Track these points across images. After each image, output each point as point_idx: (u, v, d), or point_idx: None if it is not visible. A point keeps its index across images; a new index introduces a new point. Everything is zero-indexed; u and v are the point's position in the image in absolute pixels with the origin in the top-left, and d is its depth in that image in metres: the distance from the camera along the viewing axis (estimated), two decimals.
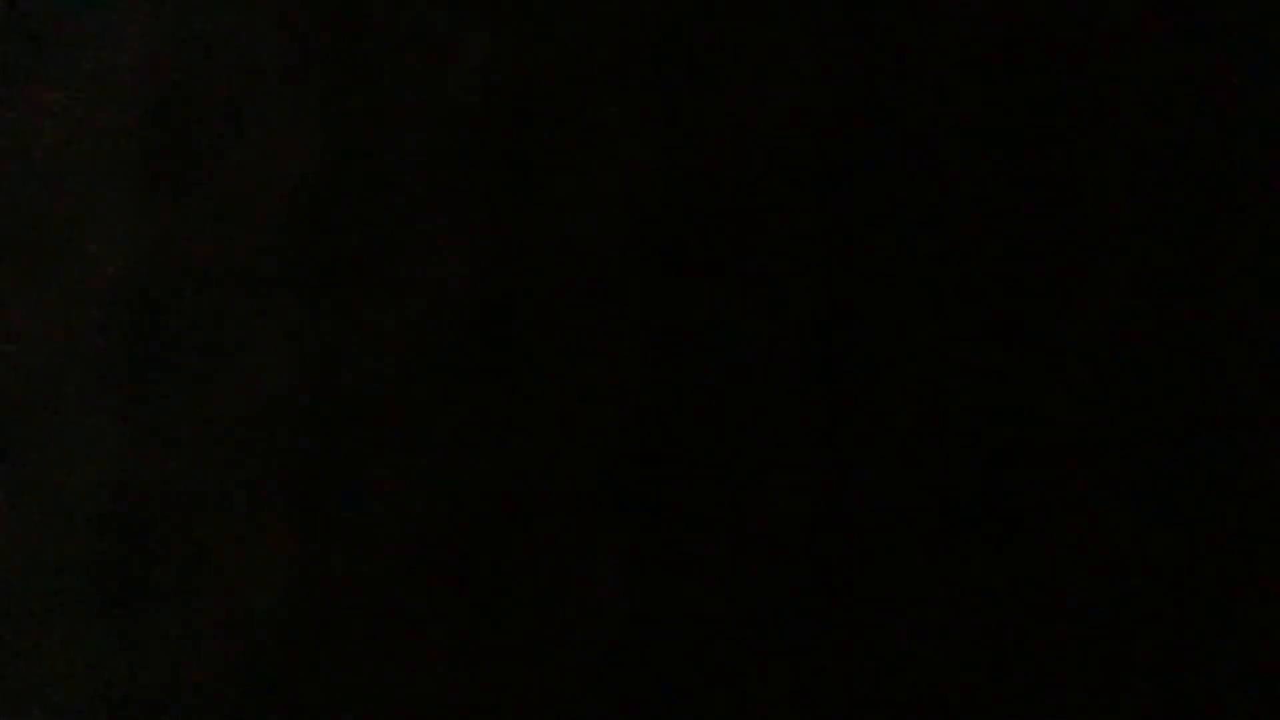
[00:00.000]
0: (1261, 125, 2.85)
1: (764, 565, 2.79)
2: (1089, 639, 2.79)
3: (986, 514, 2.80)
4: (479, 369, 2.79)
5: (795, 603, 2.78)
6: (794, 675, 2.77)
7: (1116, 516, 2.80)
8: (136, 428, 2.74)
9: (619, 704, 2.76)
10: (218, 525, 2.74)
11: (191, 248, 2.77)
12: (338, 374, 2.77)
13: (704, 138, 2.83)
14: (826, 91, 2.85)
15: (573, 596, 2.76)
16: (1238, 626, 2.79)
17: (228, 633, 2.73)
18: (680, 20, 2.84)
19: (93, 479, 2.72)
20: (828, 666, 2.78)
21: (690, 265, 2.82)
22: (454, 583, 2.76)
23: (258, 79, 2.79)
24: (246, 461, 2.75)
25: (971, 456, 2.81)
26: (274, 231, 2.78)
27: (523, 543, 2.77)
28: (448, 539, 2.76)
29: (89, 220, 2.75)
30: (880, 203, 2.84)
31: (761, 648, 2.78)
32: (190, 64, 2.79)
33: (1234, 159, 2.85)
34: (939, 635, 2.78)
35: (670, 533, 2.78)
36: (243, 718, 2.72)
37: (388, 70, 2.81)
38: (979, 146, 2.85)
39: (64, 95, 2.76)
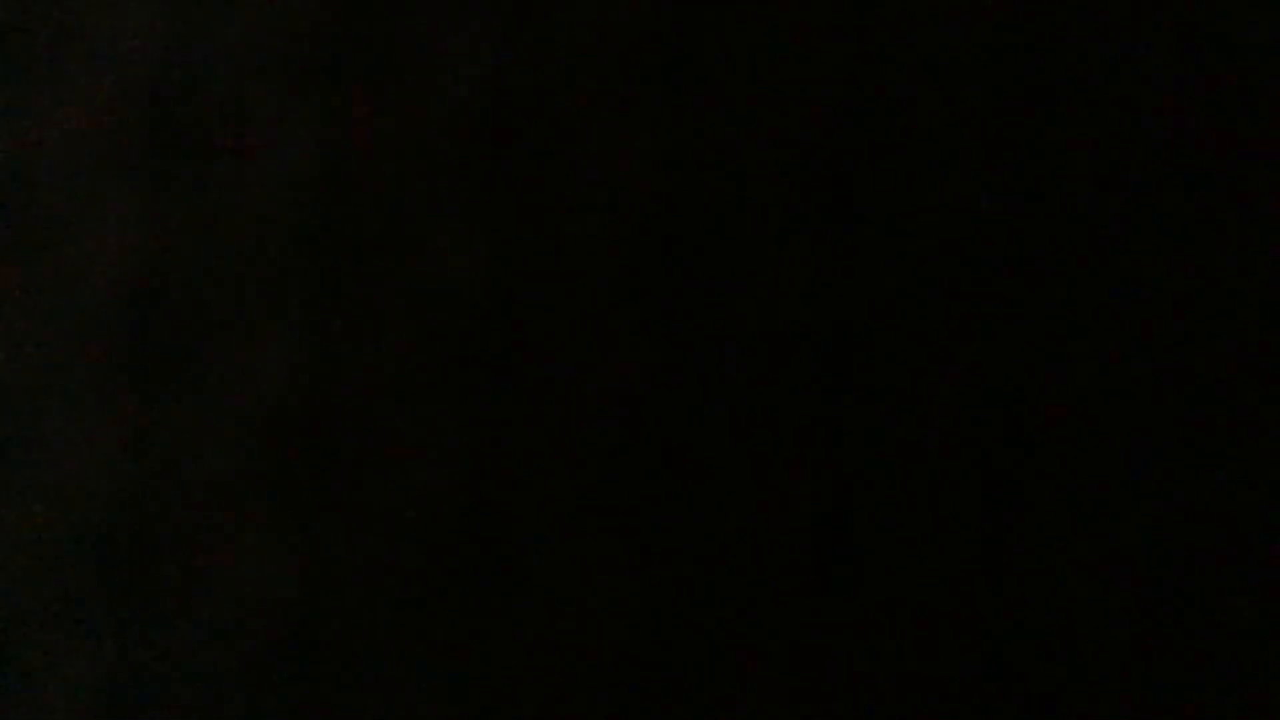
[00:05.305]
0: (1261, 125, 2.85)
1: (763, 564, 2.79)
2: (1088, 637, 2.79)
3: (987, 514, 2.80)
4: (479, 368, 2.79)
5: (795, 602, 2.79)
6: (794, 673, 2.78)
7: (1115, 516, 2.81)
8: (137, 428, 2.74)
9: (619, 703, 2.76)
10: (218, 525, 2.74)
11: (191, 248, 2.77)
12: (337, 374, 2.78)
13: (705, 138, 2.84)
14: (827, 93, 2.85)
15: (573, 596, 2.77)
16: (1237, 626, 2.79)
17: (228, 633, 2.73)
18: (680, 23, 2.85)
19: (93, 479, 2.73)
20: (828, 665, 2.78)
21: (691, 265, 2.82)
22: (454, 582, 2.76)
23: (258, 79, 2.80)
24: (247, 461, 2.75)
25: (972, 457, 2.81)
26: (274, 231, 2.78)
27: (523, 542, 2.77)
28: (447, 539, 2.77)
29: (89, 220, 2.76)
30: (881, 203, 2.84)
31: (761, 646, 2.78)
32: (190, 64, 2.79)
33: (1234, 159, 2.85)
34: (939, 635, 2.79)
35: (670, 532, 2.79)
36: (243, 717, 2.72)
37: (388, 70, 2.81)
38: (979, 148, 2.85)
39: (64, 95, 2.76)
